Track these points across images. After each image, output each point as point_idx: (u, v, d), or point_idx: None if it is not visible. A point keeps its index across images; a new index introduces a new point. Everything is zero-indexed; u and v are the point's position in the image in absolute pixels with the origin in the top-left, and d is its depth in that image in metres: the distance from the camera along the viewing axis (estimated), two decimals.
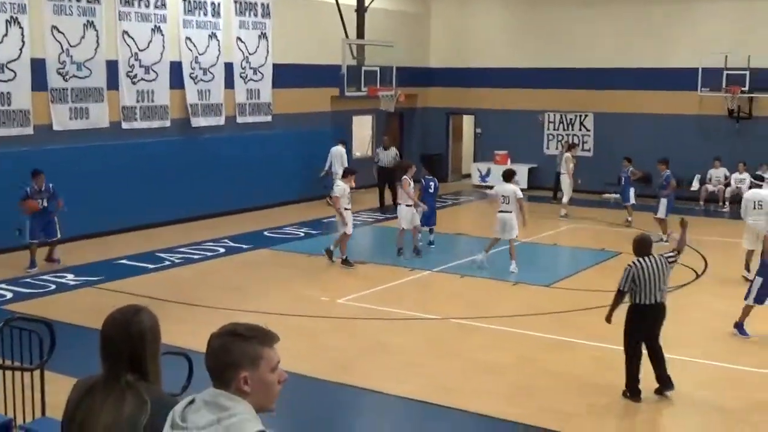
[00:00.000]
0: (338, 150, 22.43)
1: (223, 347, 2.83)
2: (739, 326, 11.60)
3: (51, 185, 15.15)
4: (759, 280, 11.45)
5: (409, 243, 16.87)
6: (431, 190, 17.63)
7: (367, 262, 16.42)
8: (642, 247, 9.39)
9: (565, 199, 21.54)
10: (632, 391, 9.30)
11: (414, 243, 16.92)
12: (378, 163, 22.67)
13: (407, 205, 16.73)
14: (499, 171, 25.40)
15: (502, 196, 15.66)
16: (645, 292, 9.16)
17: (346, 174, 16.50)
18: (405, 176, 16.71)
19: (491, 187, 24.65)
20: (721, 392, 9.75)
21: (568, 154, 22.03)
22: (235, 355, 2.80)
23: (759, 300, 11.42)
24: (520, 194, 15.63)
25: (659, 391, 9.34)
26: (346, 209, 15.81)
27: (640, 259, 9.25)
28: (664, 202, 18.26)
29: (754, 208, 14.84)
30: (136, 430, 3.01)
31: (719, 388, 9.89)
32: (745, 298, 11.58)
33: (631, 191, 20.53)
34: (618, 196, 21.97)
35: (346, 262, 15.81)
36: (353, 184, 16.20)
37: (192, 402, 2.82)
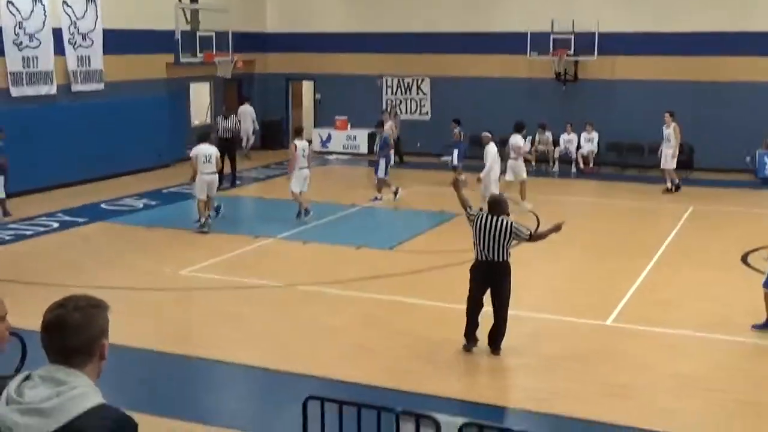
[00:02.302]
0: (246, 109, 24.97)
1: (87, 320, 2.84)
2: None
3: None
4: None
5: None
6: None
7: (209, 231, 16.25)
8: (492, 206, 9.81)
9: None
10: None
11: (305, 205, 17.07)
12: (218, 133, 21.76)
13: (301, 168, 16.95)
14: (341, 137, 25.82)
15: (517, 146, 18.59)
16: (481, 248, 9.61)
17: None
18: (295, 140, 17.24)
19: (332, 153, 24.96)
20: (553, 343, 10.34)
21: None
22: (101, 324, 2.87)
23: None
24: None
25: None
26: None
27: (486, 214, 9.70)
28: (383, 162, 18.99)
29: None
30: None
31: (550, 339, 10.48)
32: None
33: (455, 152, 21.28)
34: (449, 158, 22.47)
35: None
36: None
37: (28, 378, 2.80)
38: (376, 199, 18.94)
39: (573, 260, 14.35)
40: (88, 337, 2.85)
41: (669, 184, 20.67)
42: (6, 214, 16.81)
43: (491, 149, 17.69)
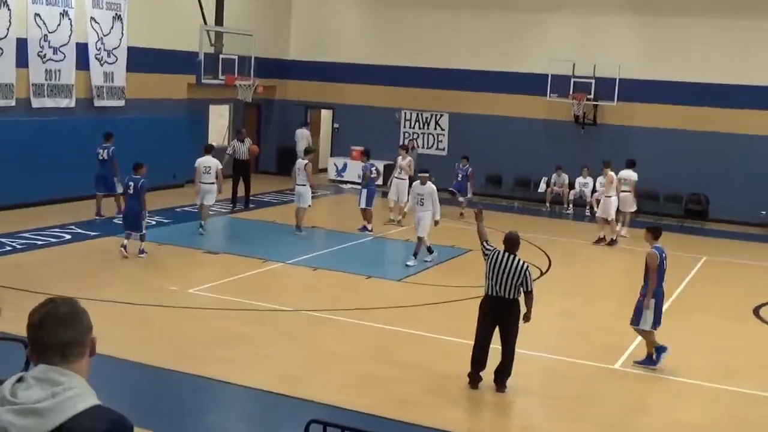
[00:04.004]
0: (303, 132, 26.04)
1: (77, 313, 2.83)
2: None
3: None
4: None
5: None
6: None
7: (220, 252, 16.25)
8: (508, 243, 9.73)
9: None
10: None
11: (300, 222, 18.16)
12: (233, 155, 21.75)
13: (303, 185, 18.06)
14: (356, 167, 25.74)
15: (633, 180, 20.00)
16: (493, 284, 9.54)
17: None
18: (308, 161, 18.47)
19: (346, 183, 24.97)
20: (558, 383, 10.22)
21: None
22: (88, 319, 2.86)
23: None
24: None
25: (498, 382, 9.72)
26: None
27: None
28: (364, 192, 18.97)
29: None
30: None
31: (557, 380, 10.36)
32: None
33: (469, 186, 21.89)
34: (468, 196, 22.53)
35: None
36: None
37: (21, 379, 2.75)
38: (364, 229, 18.87)
39: (583, 302, 14.24)
40: (81, 328, 2.83)
41: (602, 234, 19.26)
42: (99, 213, 18.31)
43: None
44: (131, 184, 15.19)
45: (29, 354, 2.84)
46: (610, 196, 19.37)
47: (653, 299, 10.68)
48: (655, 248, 10.88)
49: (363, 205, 18.99)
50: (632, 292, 15.01)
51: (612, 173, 19.59)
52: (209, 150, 18.15)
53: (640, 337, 12.12)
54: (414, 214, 16.41)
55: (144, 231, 15.33)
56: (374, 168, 19.44)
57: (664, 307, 11.18)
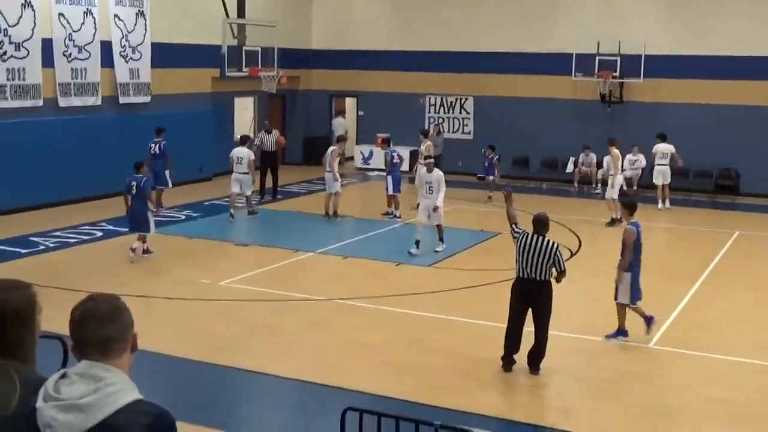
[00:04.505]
0: (339, 121, 26.45)
1: (118, 309, 2.86)
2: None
3: None
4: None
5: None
6: None
7: (250, 244, 16.34)
8: (537, 225, 9.68)
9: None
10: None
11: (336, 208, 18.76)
12: (260, 147, 21.84)
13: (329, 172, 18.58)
14: (382, 154, 25.73)
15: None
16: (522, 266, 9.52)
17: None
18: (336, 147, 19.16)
19: (373, 170, 24.91)
20: (593, 363, 10.18)
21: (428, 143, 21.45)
22: (129, 315, 2.89)
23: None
24: None
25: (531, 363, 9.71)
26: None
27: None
28: (389, 179, 18.96)
29: None
30: (6, 410, 2.94)
31: (592, 360, 10.32)
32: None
33: (496, 173, 21.86)
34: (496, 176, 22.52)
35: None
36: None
37: (64, 376, 2.79)
38: (390, 215, 18.98)
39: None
40: (122, 324, 2.86)
41: (615, 215, 18.21)
42: (160, 205, 18.29)
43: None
44: (134, 183, 14.64)
45: (71, 350, 2.88)
46: (614, 175, 19.13)
47: (629, 273, 10.69)
48: (631, 224, 10.91)
49: (391, 192, 19.00)
50: (665, 270, 14.96)
51: (617, 151, 19.31)
52: (244, 141, 18.95)
53: (674, 315, 12.07)
54: (421, 202, 15.94)
55: (152, 231, 14.90)
56: (396, 153, 19.48)
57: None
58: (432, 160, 16.37)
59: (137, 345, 2.92)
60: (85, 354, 2.81)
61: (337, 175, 18.59)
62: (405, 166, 25.97)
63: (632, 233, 10.73)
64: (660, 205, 21.05)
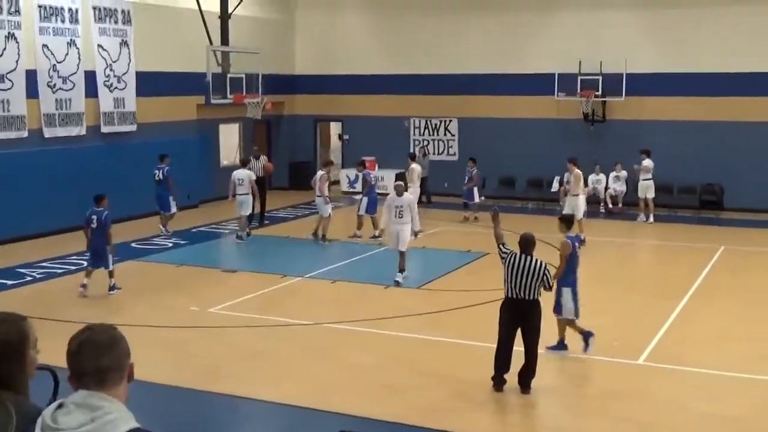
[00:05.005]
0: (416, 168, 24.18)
1: (115, 339, 2.90)
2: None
3: None
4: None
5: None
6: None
7: (238, 270, 16.34)
8: (524, 245, 9.77)
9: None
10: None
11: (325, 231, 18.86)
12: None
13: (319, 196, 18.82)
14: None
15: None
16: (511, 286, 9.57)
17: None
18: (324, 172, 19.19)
19: (359, 194, 24.96)
20: (583, 381, 10.22)
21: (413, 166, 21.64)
22: (126, 345, 2.92)
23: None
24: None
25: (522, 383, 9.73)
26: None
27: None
28: (365, 200, 19.24)
29: None
30: None
31: (582, 378, 10.35)
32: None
33: (475, 190, 22.01)
34: (482, 198, 22.63)
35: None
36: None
37: (61, 406, 2.80)
38: (356, 236, 19.20)
39: (603, 298, 14.21)
40: (119, 354, 2.89)
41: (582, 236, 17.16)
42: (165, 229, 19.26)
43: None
44: (94, 217, 13.99)
45: (68, 380, 2.90)
46: (577, 195, 18.73)
47: (569, 288, 10.86)
48: (568, 237, 11.11)
49: (362, 212, 19.28)
50: (652, 286, 15.05)
51: (578, 171, 18.91)
52: (245, 163, 19.88)
53: (662, 331, 12.14)
54: (391, 227, 15.32)
55: (112, 267, 14.20)
56: (372, 176, 19.83)
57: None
58: (401, 183, 15.92)
59: (134, 374, 2.94)
60: (82, 384, 2.83)
61: (327, 198, 18.70)
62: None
63: (568, 245, 10.97)
64: (643, 219, 21.37)
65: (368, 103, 27.30)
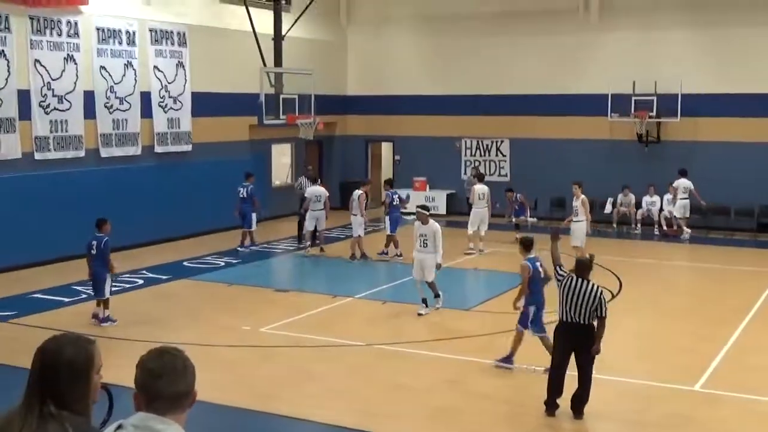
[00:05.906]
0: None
1: (188, 366, 2.93)
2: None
3: None
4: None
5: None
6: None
7: (290, 290, 16.40)
8: (580, 268, 9.68)
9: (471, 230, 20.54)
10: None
11: (362, 250, 19.20)
12: (302, 191, 21.81)
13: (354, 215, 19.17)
14: (419, 198, 25.70)
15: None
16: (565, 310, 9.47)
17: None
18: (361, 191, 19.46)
19: (410, 214, 25.02)
20: (638, 407, 10.02)
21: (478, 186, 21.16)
22: (194, 372, 2.96)
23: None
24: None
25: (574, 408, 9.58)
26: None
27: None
28: (387, 219, 19.71)
29: None
30: None
31: (637, 404, 10.16)
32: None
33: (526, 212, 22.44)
34: (534, 219, 22.64)
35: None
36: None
37: (120, 427, 2.82)
38: (384, 253, 19.46)
39: (659, 322, 13.98)
40: (191, 380, 2.94)
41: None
42: (253, 243, 20.23)
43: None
44: (94, 243, 13.18)
45: (135, 399, 2.91)
46: (581, 221, 18.02)
47: (533, 307, 11.19)
48: (527, 260, 11.34)
49: (389, 232, 19.49)
50: (709, 313, 14.74)
51: (584, 196, 18.22)
52: (315, 180, 20.77)
53: (720, 357, 11.88)
54: (415, 256, 14.64)
55: (107, 296, 13.44)
56: (396, 196, 20.00)
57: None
58: (423, 211, 14.79)
59: (195, 400, 2.96)
60: (151, 407, 2.84)
61: (361, 219, 19.07)
62: (443, 209, 26.06)
63: (527, 268, 11.20)
64: (686, 237, 22.06)
65: (419, 124, 27.34)
